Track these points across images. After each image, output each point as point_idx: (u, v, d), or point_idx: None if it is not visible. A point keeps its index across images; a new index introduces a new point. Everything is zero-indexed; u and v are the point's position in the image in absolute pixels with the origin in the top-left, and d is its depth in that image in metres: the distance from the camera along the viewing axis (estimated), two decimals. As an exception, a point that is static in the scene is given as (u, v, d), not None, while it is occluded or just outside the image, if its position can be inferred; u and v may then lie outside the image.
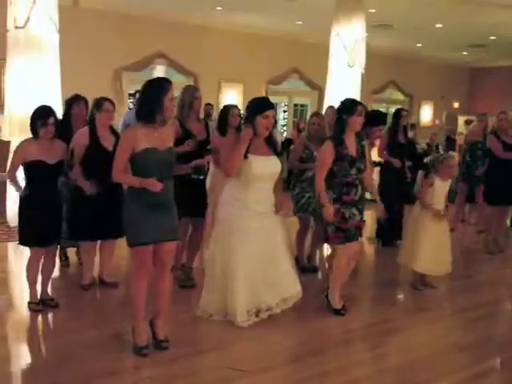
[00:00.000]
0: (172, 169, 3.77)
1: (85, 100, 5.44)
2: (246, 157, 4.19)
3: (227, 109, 5.72)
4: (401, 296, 5.29)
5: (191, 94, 5.05)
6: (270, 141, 4.35)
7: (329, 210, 4.42)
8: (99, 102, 4.83)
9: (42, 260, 4.56)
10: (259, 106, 4.23)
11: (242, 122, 4.46)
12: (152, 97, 3.60)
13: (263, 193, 4.33)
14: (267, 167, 4.28)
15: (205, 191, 5.27)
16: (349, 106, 4.52)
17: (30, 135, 4.42)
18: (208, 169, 5.47)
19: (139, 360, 3.76)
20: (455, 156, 5.54)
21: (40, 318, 4.47)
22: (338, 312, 4.65)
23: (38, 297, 4.55)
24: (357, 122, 4.49)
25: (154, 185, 3.54)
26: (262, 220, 4.30)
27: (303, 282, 4.59)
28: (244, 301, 4.23)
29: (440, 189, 5.34)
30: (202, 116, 5.77)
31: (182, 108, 4.99)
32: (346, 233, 4.51)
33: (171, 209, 3.77)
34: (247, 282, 4.21)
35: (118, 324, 4.22)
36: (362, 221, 4.70)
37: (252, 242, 4.23)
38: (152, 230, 3.63)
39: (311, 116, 6.02)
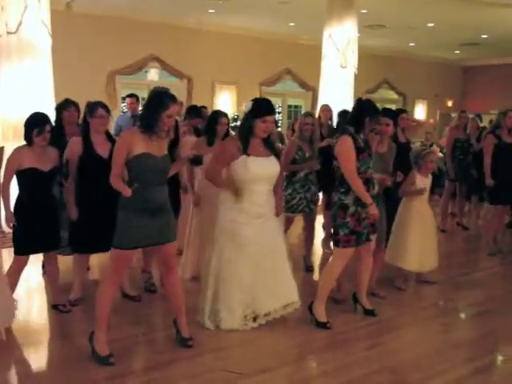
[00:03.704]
0: (167, 174, 3.79)
1: (75, 104, 5.29)
2: (247, 154, 4.13)
3: (215, 117, 5.43)
4: (397, 294, 5.28)
5: None
6: (267, 141, 4.28)
7: (375, 209, 4.25)
8: (92, 108, 4.52)
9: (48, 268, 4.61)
10: (259, 110, 4.14)
11: (240, 122, 4.35)
12: (152, 110, 3.61)
13: (261, 196, 4.23)
14: (265, 168, 4.19)
15: (175, 189, 5.09)
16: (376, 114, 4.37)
17: (23, 141, 4.32)
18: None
19: (135, 364, 3.77)
20: (436, 151, 5.47)
21: (42, 322, 4.48)
22: (323, 325, 4.35)
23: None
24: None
25: (125, 191, 3.55)
26: (260, 225, 4.23)
27: (299, 282, 4.57)
28: (236, 308, 4.19)
29: (421, 186, 5.26)
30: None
31: None
32: (357, 236, 4.30)
33: (165, 212, 3.76)
34: (242, 289, 4.17)
35: (121, 329, 4.20)
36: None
37: (249, 248, 4.18)
38: (136, 237, 3.63)
39: (304, 116, 5.84)
